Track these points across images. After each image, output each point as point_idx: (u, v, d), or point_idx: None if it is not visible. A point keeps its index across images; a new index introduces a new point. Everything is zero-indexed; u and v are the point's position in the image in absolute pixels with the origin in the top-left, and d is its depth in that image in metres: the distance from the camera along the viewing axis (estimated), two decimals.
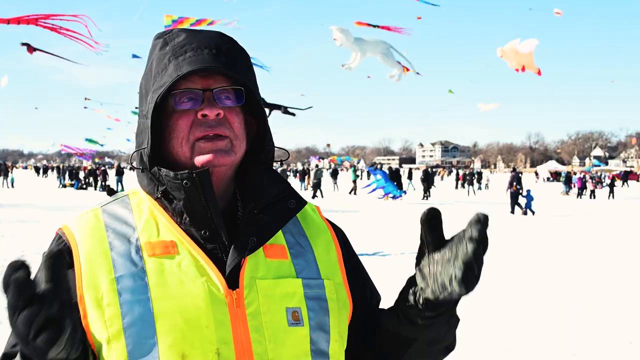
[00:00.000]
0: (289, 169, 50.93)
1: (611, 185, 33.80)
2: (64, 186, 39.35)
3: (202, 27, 14.65)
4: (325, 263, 1.31)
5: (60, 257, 1.00)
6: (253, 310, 1.18)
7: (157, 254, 1.19)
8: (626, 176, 53.20)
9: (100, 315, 1.14)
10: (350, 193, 32.81)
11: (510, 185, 22.59)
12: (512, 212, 21.95)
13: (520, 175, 22.85)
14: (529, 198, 21.83)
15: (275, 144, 1.35)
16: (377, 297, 1.43)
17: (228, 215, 1.27)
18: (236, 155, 1.23)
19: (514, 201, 22.08)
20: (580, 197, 33.98)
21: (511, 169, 26.08)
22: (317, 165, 38.21)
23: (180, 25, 14.33)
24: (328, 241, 1.36)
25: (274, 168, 1.35)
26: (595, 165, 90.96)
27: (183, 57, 1.20)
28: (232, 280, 1.19)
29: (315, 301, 1.24)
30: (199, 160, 1.20)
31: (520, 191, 22.14)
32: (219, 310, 1.15)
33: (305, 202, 1.31)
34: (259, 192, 1.28)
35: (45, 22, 10.89)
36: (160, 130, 1.24)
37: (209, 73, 1.21)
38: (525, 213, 21.74)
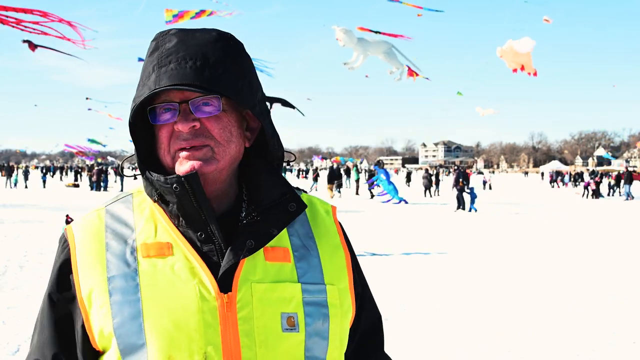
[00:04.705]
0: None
1: (596, 185, 34.08)
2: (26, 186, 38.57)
3: (201, 20, 14.63)
4: (329, 267, 1.28)
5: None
6: (245, 314, 1.16)
7: (152, 255, 1.19)
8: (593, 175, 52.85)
9: (97, 316, 1.16)
10: (356, 194, 32.73)
11: (457, 182, 23.07)
12: (463, 208, 22.38)
13: (465, 172, 23.70)
14: (473, 196, 22.22)
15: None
16: (373, 317, 1.42)
17: (230, 217, 1.26)
18: (219, 162, 1.21)
19: (462, 197, 22.65)
20: (587, 197, 33.90)
21: (454, 168, 26.61)
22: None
23: (181, 19, 14.31)
24: (336, 244, 1.33)
25: (278, 169, 1.33)
26: (600, 165, 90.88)
27: (165, 69, 1.18)
28: (227, 283, 1.18)
29: (314, 307, 1.22)
30: (180, 170, 1.20)
31: (465, 188, 22.54)
32: (208, 313, 1.14)
33: (305, 206, 1.29)
34: (260, 194, 1.27)
35: (25, 26, 9.97)
36: (151, 135, 1.26)
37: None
38: (471, 210, 22.06)
